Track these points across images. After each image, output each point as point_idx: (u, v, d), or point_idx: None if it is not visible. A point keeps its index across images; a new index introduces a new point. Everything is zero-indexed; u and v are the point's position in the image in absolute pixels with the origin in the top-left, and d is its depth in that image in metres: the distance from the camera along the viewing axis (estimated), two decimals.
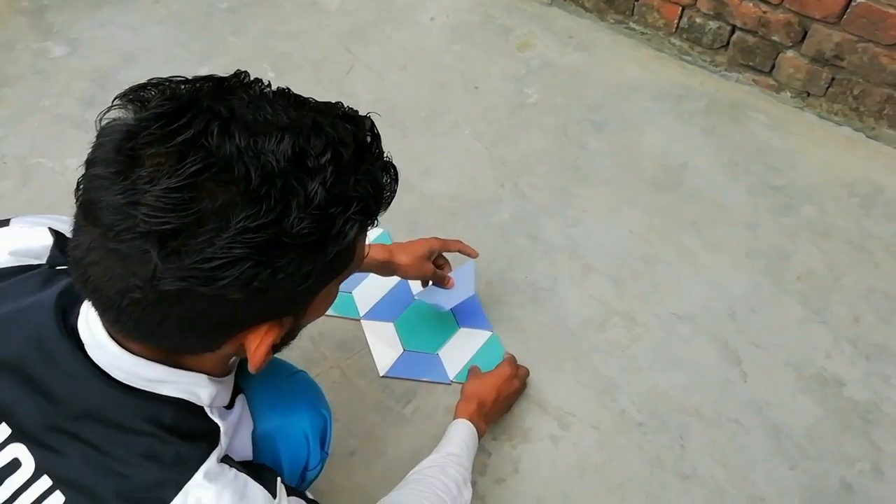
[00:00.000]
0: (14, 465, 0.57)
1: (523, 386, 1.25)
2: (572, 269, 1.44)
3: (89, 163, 0.51)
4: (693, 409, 1.25)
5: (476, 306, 1.36)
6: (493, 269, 1.43)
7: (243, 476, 0.61)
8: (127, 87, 0.52)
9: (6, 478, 0.56)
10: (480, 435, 1.10)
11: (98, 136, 0.51)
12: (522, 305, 1.38)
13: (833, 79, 1.62)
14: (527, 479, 1.17)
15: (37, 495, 0.56)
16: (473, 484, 1.14)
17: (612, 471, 1.18)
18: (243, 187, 0.48)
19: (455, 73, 1.81)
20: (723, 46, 1.74)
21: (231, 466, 0.62)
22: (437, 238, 1.22)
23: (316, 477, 0.87)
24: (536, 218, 1.52)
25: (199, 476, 0.58)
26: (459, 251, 1.25)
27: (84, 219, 0.51)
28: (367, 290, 1.37)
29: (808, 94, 1.69)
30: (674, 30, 1.79)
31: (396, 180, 0.61)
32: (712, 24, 1.72)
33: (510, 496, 1.15)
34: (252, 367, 0.59)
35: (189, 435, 0.60)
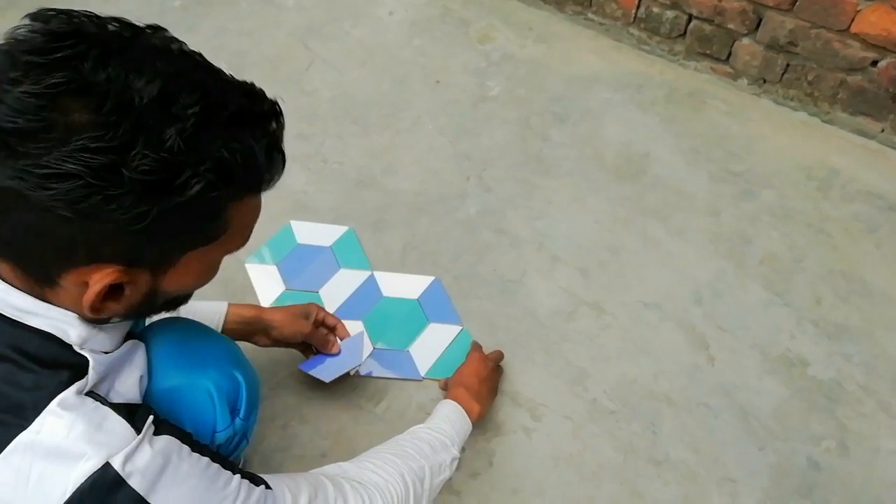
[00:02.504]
0: None
1: (500, 368, 1.25)
2: (539, 261, 1.44)
3: None
4: (663, 395, 1.26)
5: (445, 301, 1.35)
6: (460, 264, 1.42)
7: (105, 409, 0.60)
8: (39, 8, 0.55)
9: None
10: (475, 415, 1.10)
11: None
12: (491, 299, 1.37)
13: (788, 65, 1.65)
14: (501, 472, 1.17)
15: None
16: (447, 479, 1.14)
17: (586, 460, 1.19)
18: (94, 110, 0.51)
19: (416, 68, 1.80)
20: (680, 35, 1.76)
21: (95, 400, 0.60)
22: (317, 304, 1.17)
23: (236, 446, 0.84)
24: (502, 211, 1.51)
25: (53, 404, 0.57)
26: (336, 326, 1.18)
27: None
28: (333, 288, 1.35)
29: (765, 81, 1.72)
30: (632, 20, 1.81)
31: (278, 166, 0.63)
32: (669, 14, 1.74)
33: (485, 489, 1.15)
34: (83, 305, 0.58)
35: (51, 364, 0.59)
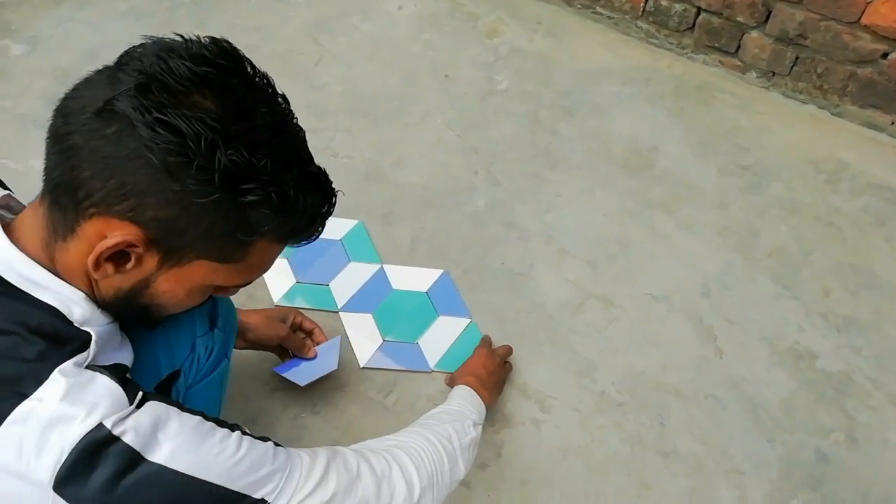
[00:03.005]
0: None
1: (508, 364, 1.26)
2: (548, 254, 1.44)
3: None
4: (671, 387, 1.27)
5: (454, 294, 1.36)
6: (469, 257, 1.43)
7: (102, 377, 0.62)
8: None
9: None
10: (486, 402, 1.10)
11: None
12: (500, 292, 1.38)
13: (797, 58, 1.65)
14: (510, 464, 1.18)
15: None
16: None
17: (594, 451, 1.19)
18: (221, 105, 0.60)
19: (424, 62, 1.80)
20: (689, 28, 1.76)
21: (93, 370, 0.62)
22: (294, 308, 1.20)
23: (217, 361, 0.88)
24: (510, 204, 1.52)
25: (56, 373, 0.59)
26: (313, 331, 1.19)
27: None
28: (343, 282, 1.36)
29: (774, 74, 1.71)
30: (640, 13, 1.81)
31: (309, 235, 0.70)
32: (678, 7, 1.74)
33: (494, 481, 1.16)
34: (90, 255, 0.61)
35: (54, 338, 0.61)
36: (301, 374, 1.16)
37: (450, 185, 1.55)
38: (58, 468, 0.57)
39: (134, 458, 0.59)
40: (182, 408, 0.65)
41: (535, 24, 1.90)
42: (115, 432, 0.59)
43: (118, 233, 0.60)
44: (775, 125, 1.68)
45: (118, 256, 0.62)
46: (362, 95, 1.72)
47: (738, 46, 1.72)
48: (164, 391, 0.81)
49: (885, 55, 1.54)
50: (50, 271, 0.63)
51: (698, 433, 1.22)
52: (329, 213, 0.71)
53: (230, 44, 0.66)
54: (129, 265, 0.62)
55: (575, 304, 1.37)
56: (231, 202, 0.60)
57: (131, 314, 0.70)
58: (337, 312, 1.32)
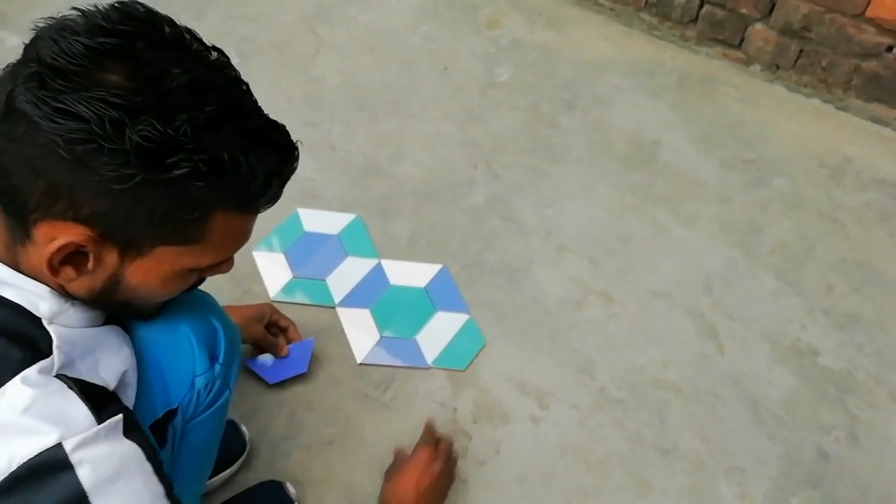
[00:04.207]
0: None
1: (452, 462, 1.11)
2: (547, 249, 1.43)
3: None
4: (671, 384, 1.26)
5: (452, 289, 1.35)
6: (468, 252, 1.41)
7: (71, 392, 0.58)
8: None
9: None
10: None
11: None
12: (499, 287, 1.37)
13: (801, 51, 1.63)
14: (508, 461, 1.17)
15: None
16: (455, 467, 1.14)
17: (593, 449, 1.18)
18: (127, 76, 0.56)
19: (423, 54, 1.78)
20: (692, 20, 1.74)
21: (63, 382, 0.59)
22: (271, 305, 1.18)
23: (217, 393, 0.83)
24: (510, 199, 1.50)
25: (17, 379, 0.57)
26: (288, 328, 1.19)
27: None
28: (341, 276, 1.35)
29: (778, 67, 1.69)
30: (643, 5, 1.78)
31: (271, 195, 0.64)
32: None
33: (492, 478, 1.15)
34: (40, 259, 0.58)
35: (16, 338, 0.59)
36: (272, 371, 1.18)
37: (449, 179, 1.53)
38: (0, 478, 0.54)
39: (79, 499, 0.55)
40: (158, 468, 0.61)
41: (536, 15, 1.88)
42: (73, 459, 0.55)
43: (62, 236, 0.57)
44: (779, 119, 1.66)
45: (77, 259, 0.59)
46: (360, 87, 1.70)
47: (742, 39, 1.70)
48: (161, 428, 0.78)
49: (890, 48, 1.52)
50: (15, 269, 0.61)
51: (698, 431, 1.21)
52: (287, 171, 0.65)
53: (140, 5, 0.61)
54: (90, 265, 0.60)
55: (575, 300, 1.36)
56: (160, 181, 0.56)
57: (117, 311, 0.68)
58: (334, 307, 1.31)
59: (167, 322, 0.77)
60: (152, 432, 0.75)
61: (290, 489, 1.09)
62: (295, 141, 0.65)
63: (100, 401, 0.60)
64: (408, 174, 1.54)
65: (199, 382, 0.80)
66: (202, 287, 0.79)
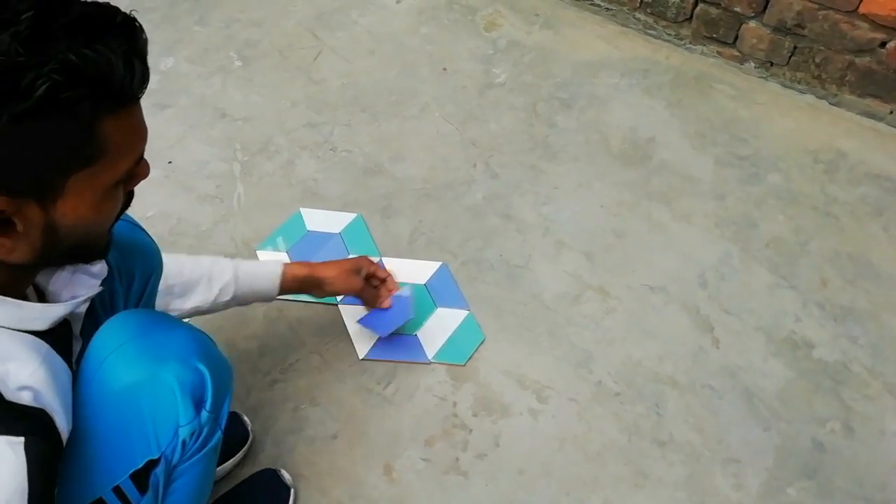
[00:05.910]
0: None
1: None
2: (545, 246, 1.45)
3: None
4: (668, 377, 1.28)
5: (452, 286, 1.37)
6: (467, 249, 1.44)
7: None
8: None
9: None
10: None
11: None
12: (498, 284, 1.39)
13: (795, 47, 1.65)
14: (507, 453, 1.19)
15: None
16: (455, 460, 1.16)
17: (591, 441, 1.21)
18: None
19: (423, 56, 1.81)
20: (687, 19, 1.76)
21: None
22: (367, 258, 1.21)
23: (207, 438, 0.79)
24: (509, 197, 1.53)
25: None
26: (387, 280, 1.22)
27: None
28: None
29: (772, 64, 1.71)
30: (638, 4, 1.81)
31: (139, 75, 0.59)
32: None
33: (492, 470, 1.17)
34: None
35: None
36: (381, 325, 1.22)
37: (448, 178, 1.56)
38: None
39: None
40: (46, 490, 0.60)
41: (532, 16, 1.90)
42: None
43: None
44: (773, 115, 1.68)
45: (4, 229, 0.59)
46: (361, 89, 1.72)
47: (736, 37, 1.72)
48: (142, 477, 0.76)
49: (883, 44, 1.54)
50: None
51: (695, 422, 1.23)
52: (139, 43, 0.60)
53: None
54: (20, 227, 0.59)
55: (572, 296, 1.38)
56: (27, 113, 0.53)
57: (71, 257, 0.67)
58: (336, 305, 1.33)
59: (149, 372, 0.74)
60: (132, 481, 0.75)
61: (286, 475, 1.12)
62: (129, 12, 0.60)
63: (15, 421, 0.58)
64: (408, 174, 1.56)
65: (184, 432, 0.76)
66: (198, 326, 0.77)
